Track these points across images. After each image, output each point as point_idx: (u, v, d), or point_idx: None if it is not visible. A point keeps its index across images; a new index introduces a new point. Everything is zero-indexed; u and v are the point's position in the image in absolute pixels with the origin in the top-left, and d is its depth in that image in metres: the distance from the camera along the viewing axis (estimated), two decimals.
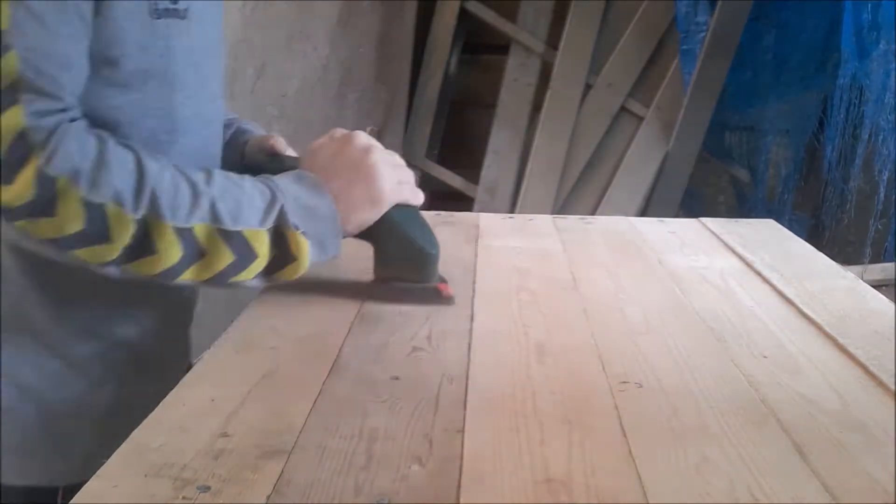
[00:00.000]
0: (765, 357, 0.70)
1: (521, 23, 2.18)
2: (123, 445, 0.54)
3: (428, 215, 1.18)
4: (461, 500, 0.48)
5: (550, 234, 1.09)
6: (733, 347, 0.72)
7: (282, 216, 0.69)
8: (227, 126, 0.88)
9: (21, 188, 0.60)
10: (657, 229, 1.12)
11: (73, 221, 0.62)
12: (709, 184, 2.38)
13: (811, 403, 0.61)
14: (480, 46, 2.30)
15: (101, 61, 0.66)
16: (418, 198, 0.81)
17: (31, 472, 0.75)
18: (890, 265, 1.93)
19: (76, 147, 0.62)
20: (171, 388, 0.63)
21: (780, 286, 0.88)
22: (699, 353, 0.70)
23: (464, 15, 2.19)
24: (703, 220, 1.17)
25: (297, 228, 0.70)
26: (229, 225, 0.67)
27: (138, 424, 0.57)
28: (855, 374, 0.67)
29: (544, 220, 1.18)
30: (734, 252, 1.01)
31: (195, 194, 0.66)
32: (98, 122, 0.66)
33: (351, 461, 0.52)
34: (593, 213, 2.13)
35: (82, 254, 0.63)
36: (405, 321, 0.77)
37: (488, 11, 2.18)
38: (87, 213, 0.62)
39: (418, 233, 0.80)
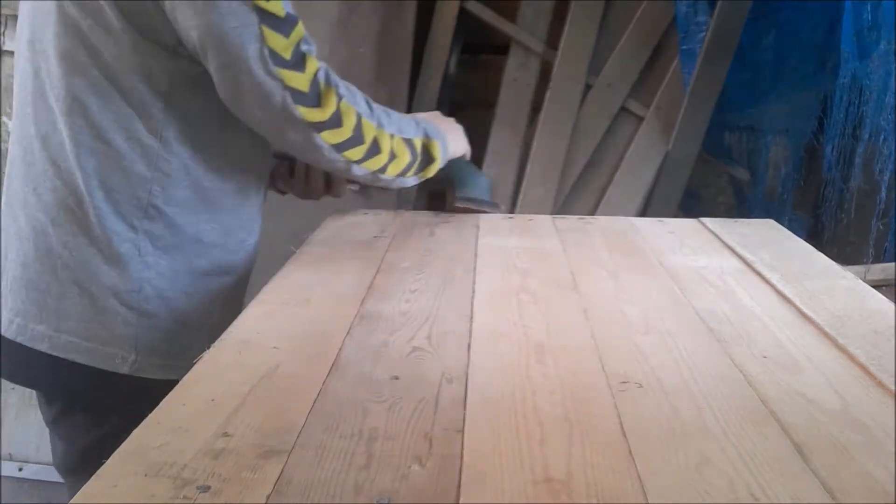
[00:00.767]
0: (765, 357, 0.70)
1: (521, 23, 2.18)
2: (123, 445, 0.54)
3: (428, 215, 1.19)
4: (461, 500, 0.48)
5: (550, 234, 1.09)
6: (733, 347, 0.72)
7: (426, 131, 1.01)
8: None
9: (327, 109, 0.87)
10: (657, 229, 1.12)
11: (348, 130, 0.89)
12: (708, 184, 2.38)
13: (811, 403, 0.61)
14: (480, 46, 2.30)
15: None
16: (468, 151, 1.16)
17: (167, 369, 0.89)
18: (890, 265, 1.93)
19: (336, 78, 0.89)
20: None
21: (779, 286, 0.88)
22: (699, 353, 0.70)
23: (464, 15, 2.18)
24: (703, 219, 1.17)
25: (433, 138, 1.02)
26: (406, 134, 0.97)
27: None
28: (855, 373, 0.67)
29: (544, 220, 1.18)
30: (734, 252, 1.01)
31: (388, 114, 0.96)
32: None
33: (351, 461, 0.52)
34: (593, 212, 2.13)
35: (349, 153, 0.91)
36: (405, 321, 0.77)
37: (488, 11, 2.18)
38: (356, 123, 0.90)
39: (476, 168, 1.25)
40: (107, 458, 0.51)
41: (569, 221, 1.17)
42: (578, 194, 2.17)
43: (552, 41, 2.17)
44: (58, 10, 0.85)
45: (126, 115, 0.86)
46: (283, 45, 0.82)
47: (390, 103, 2.12)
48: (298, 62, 0.84)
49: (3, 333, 0.91)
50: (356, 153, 0.91)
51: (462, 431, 0.56)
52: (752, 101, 2.24)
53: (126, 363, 0.89)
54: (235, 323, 0.76)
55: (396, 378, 0.64)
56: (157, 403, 0.59)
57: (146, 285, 0.89)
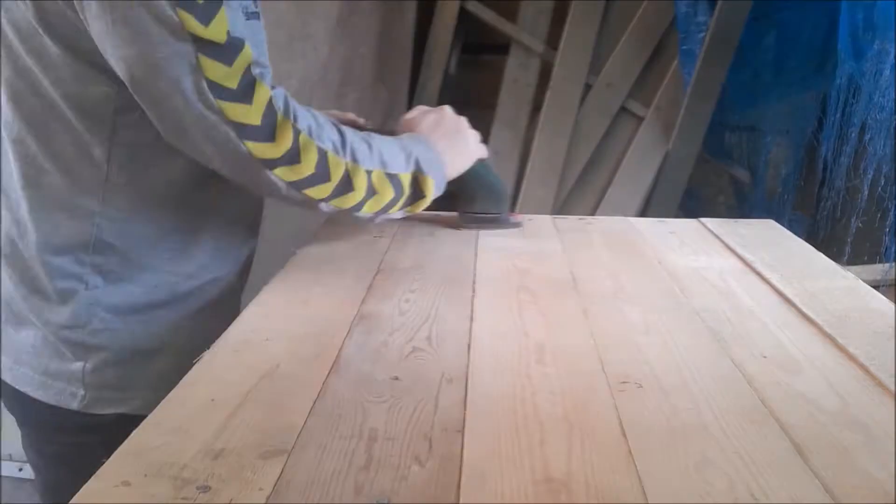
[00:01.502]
0: (764, 357, 0.70)
1: (521, 23, 2.18)
2: (123, 445, 0.54)
3: (429, 216, 1.19)
4: (461, 500, 0.48)
5: (550, 235, 1.09)
6: (733, 347, 0.72)
7: (417, 164, 0.89)
8: None
9: (281, 144, 0.76)
10: (657, 229, 1.12)
11: (309, 166, 0.79)
12: (709, 184, 2.38)
13: (811, 403, 0.61)
14: (480, 46, 2.30)
15: None
16: (485, 152, 1.04)
17: (119, 403, 0.85)
18: (890, 265, 1.93)
19: (299, 108, 0.79)
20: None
21: (779, 286, 0.88)
22: (699, 353, 0.70)
23: (464, 15, 2.19)
24: (703, 220, 1.17)
25: (426, 172, 0.89)
26: (390, 169, 0.86)
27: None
28: (855, 373, 0.67)
29: (544, 221, 1.18)
30: (734, 252, 1.01)
31: (370, 146, 0.85)
32: None
33: (351, 461, 0.52)
34: (593, 213, 2.13)
35: (311, 191, 0.80)
36: (405, 321, 0.77)
37: (488, 11, 2.18)
38: (318, 158, 0.79)
39: (493, 176, 1.09)
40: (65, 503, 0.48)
41: (569, 221, 1.17)
42: (578, 194, 2.17)
43: (552, 41, 2.17)
44: (4, 48, 0.80)
45: (70, 149, 0.80)
46: (224, 74, 0.72)
47: (390, 103, 2.13)
48: (246, 92, 0.73)
49: None
50: (321, 191, 0.80)
51: (462, 431, 0.56)
52: (752, 102, 2.24)
53: (76, 399, 0.85)
54: (235, 323, 0.76)
55: (396, 378, 0.64)
56: (109, 441, 0.55)
57: (94, 320, 0.84)
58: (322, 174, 0.80)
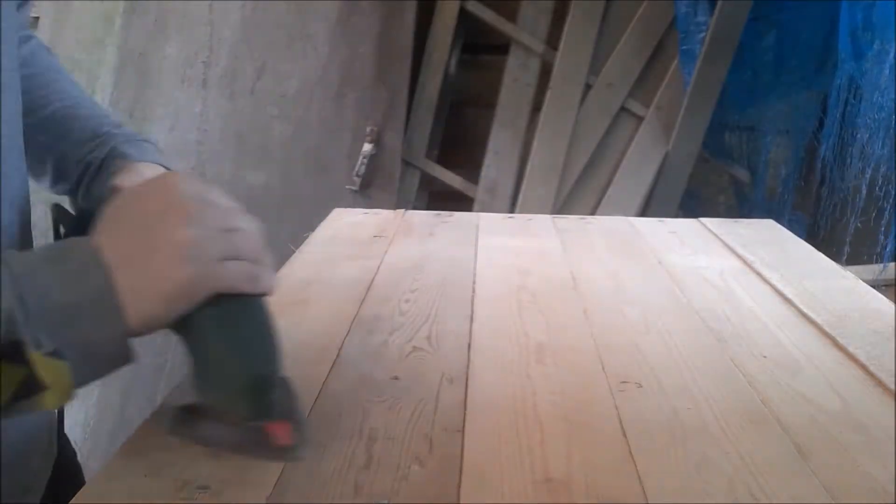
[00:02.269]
0: (764, 357, 0.70)
1: (521, 23, 2.18)
2: (125, 446, 0.54)
3: (428, 215, 1.18)
4: (461, 501, 0.48)
5: (550, 234, 1.09)
6: (733, 347, 0.72)
7: (11, 327, 0.41)
8: (97, 141, 0.66)
9: None
10: (657, 229, 1.12)
11: None
12: (709, 184, 2.38)
13: (811, 403, 0.61)
14: (480, 46, 2.30)
15: None
16: (261, 285, 0.51)
17: None
18: (890, 265, 1.93)
19: None
20: None
21: (779, 286, 0.88)
22: (699, 354, 0.70)
23: (464, 15, 2.19)
24: (703, 220, 1.17)
25: (41, 347, 0.42)
26: None
27: None
28: (855, 373, 0.67)
29: (544, 220, 1.18)
30: (734, 252, 1.01)
31: None
32: None
33: (351, 461, 0.52)
34: (593, 212, 2.13)
35: None
36: (405, 321, 0.77)
37: (488, 11, 2.18)
38: None
39: (243, 342, 0.51)
40: None
41: (569, 221, 1.17)
42: (578, 194, 2.17)
43: (552, 41, 2.17)
44: None
45: None
46: None
47: (390, 103, 2.13)
48: None
49: None
50: None
51: (462, 431, 0.56)
52: (752, 102, 2.24)
53: None
54: None
55: (396, 378, 0.64)
56: None
57: None
58: None
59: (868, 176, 1.89)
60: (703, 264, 0.96)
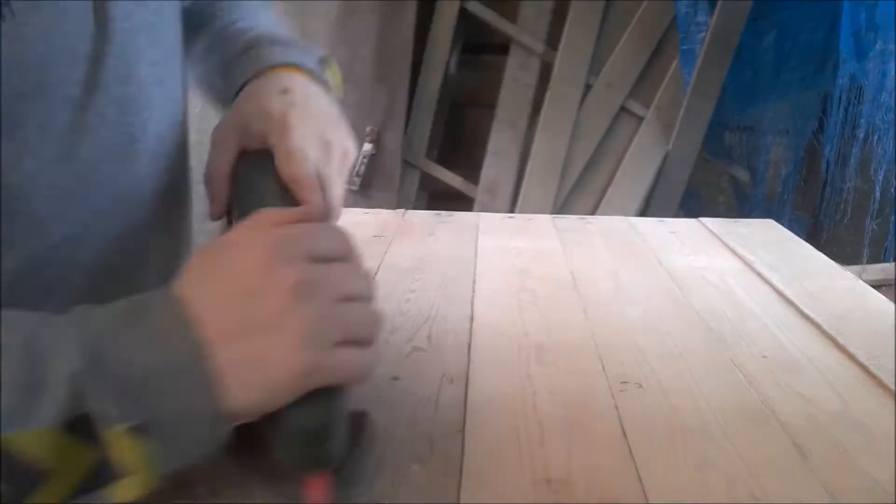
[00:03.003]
0: (764, 357, 0.70)
1: (521, 23, 2.18)
2: None
3: (428, 215, 1.18)
4: (461, 500, 0.48)
5: (550, 234, 1.09)
6: (733, 347, 0.72)
7: (77, 399, 0.34)
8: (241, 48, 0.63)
9: None
10: (657, 229, 1.12)
11: None
12: (708, 184, 2.38)
13: (811, 403, 0.61)
14: (480, 46, 2.30)
15: None
16: (368, 376, 0.42)
17: None
18: (889, 265, 1.93)
19: None
20: None
21: (779, 286, 0.88)
22: (699, 353, 0.70)
23: (464, 15, 2.19)
24: (703, 220, 1.17)
25: (121, 421, 0.35)
26: None
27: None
28: (855, 373, 0.67)
29: (544, 220, 1.18)
30: (734, 252, 1.01)
31: None
32: None
33: None
34: (593, 212, 2.13)
35: None
36: (405, 321, 0.77)
37: (488, 11, 2.19)
38: None
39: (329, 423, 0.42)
40: None
41: (569, 221, 1.17)
42: (578, 194, 2.17)
43: (552, 41, 2.17)
44: None
45: None
46: None
47: (390, 103, 2.13)
48: None
49: None
50: None
51: (462, 432, 0.56)
52: (752, 102, 2.24)
53: None
54: None
55: (396, 378, 0.64)
56: None
57: None
58: None
59: (870, 176, 1.89)
60: (703, 264, 0.96)
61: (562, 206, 2.13)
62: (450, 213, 1.18)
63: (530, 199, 2.12)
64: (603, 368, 0.67)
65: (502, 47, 2.22)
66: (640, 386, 0.64)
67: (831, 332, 0.75)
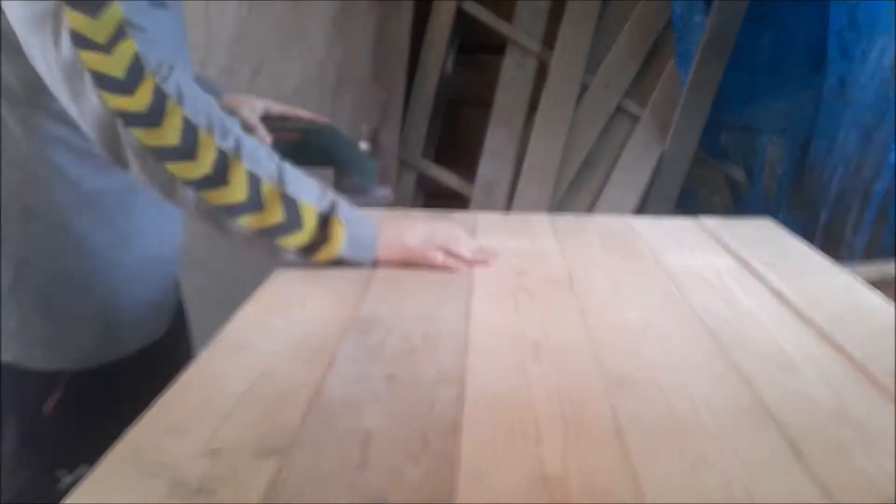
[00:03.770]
0: (761, 355, 0.70)
1: (517, 23, 2.18)
2: (119, 446, 0.53)
3: (423, 214, 1.18)
4: (457, 499, 0.48)
5: (547, 234, 1.09)
6: (729, 346, 0.72)
7: (333, 207, 0.83)
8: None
9: (141, 98, 0.72)
10: (654, 228, 1.12)
11: (172, 134, 0.73)
12: (705, 183, 2.38)
13: (807, 401, 0.61)
14: (477, 46, 2.30)
15: None
16: (435, 262, 0.92)
17: (33, 355, 0.86)
18: (886, 264, 1.93)
19: (185, 78, 0.75)
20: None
21: (776, 284, 0.88)
22: (695, 352, 0.70)
23: (460, 15, 2.19)
24: (700, 219, 1.17)
25: (342, 220, 0.83)
26: (291, 192, 0.80)
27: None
28: (851, 371, 0.67)
29: (541, 220, 1.18)
30: (730, 251, 1.01)
31: (271, 156, 0.80)
32: None
33: (346, 460, 0.52)
34: (589, 212, 2.13)
35: (172, 167, 0.74)
36: (401, 321, 0.77)
37: (485, 11, 2.18)
38: (184, 129, 0.74)
39: (360, 152, 1.19)
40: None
41: (565, 221, 1.17)
42: (575, 194, 2.17)
43: (548, 41, 2.17)
44: None
45: None
46: (87, 24, 0.71)
47: (387, 103, 2.13)
48: (111, 45, 0.72)
49: None
50: (185, 169, 0.75)
51: (458, 430, 0.56)
52: (749, 101, 2.24)
53: (10, 352, 0.85)
54: (231, 323, 0.76)
55: (392, 377, 0.64)
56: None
57: (26, 286, 0.84)
58: (187, 149, 0.74)
59: (863, 175, 1.89)
60: (699, 263, 0.96)
61: (558, 206, 2.13)
62: (447, 213, 1.18)
63: (526, 199, 2.12)
64: (599, 367, 0.67)
65: (499, 47, 2.22)
66: (637, 384, 0.63)
67: (828, 330, 0.75)
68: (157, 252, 0.94)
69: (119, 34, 0.72)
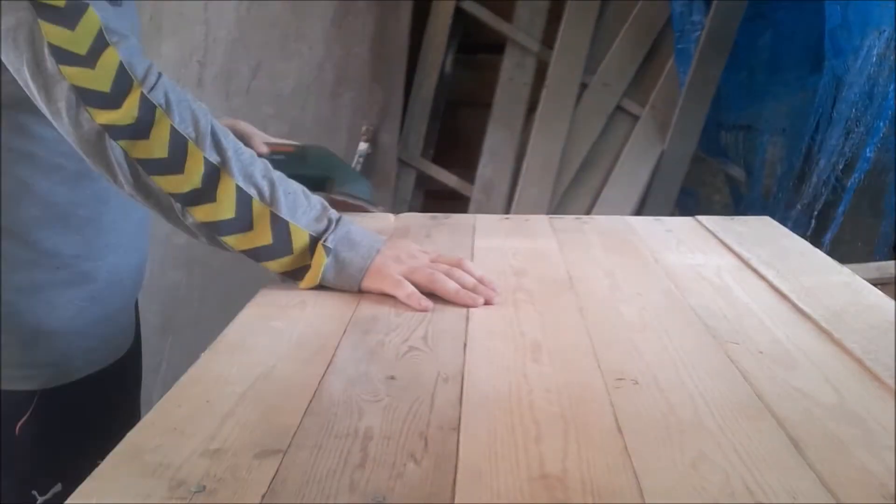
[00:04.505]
0: (761, 353, 0.70)
1: (517, 22, 2.18)
2: (119, 446, 0.53)
3: (424, 218, 1.18)
4: (456, 499, 0.48)
5: (546, 234, 1.09)
6: (729, 344, 0.72)
7: (329, 227, 0.80)
8: None
9: (127, 111, 0.71)
10: (653, 228, 1.12)
11: (160, 146, 0.72)
12: (704, 183, 2.38)
13: (807, 398, 0.61)
14: (476, 46, 2.30)
15: None
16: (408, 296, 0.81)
17: (26, 380, 0.84)
18: (886, 263, 1.93)
19: (171, 86, 0.74)
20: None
21: (775, 282, 0.88)
22: (695, 350, 0.70)
23: (459, 14, 2.19)
24: (700, 217, 1.17)
25: (329, 243, 0.79)
26: (283, 213, 0.77)
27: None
28: (851, 368, 0.67)
29: (540, 220, 1.18)
30: (730, 249, 1.01)
31: (266, 171, 0.77)
32: None
33: (346, 460, 0.52)
34: (589, 212, 2.13)
35: (160, 181, 0.73)
36: (401, 321, 0.77)
37: (484, 11, 2.18)
38: (172, 141, 0.72)
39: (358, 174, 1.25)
40: None
41: (565, 221, 1.17)
42: (574, 193, 2.17)
43: (548, 41, 2.17)
44: None
45: None
46: (67, 38, 0.70)
47: (386, 103, 2.13)
48: (93, 57, 0.70)
49: None
50: (172, 183, 0.73)
51: (458, 430, 0.56)
52: (748, 101, 2.24)
53: None
54: (231, 324, 0.76)
55: (392, 378, 0.64)
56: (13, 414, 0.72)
57: None
58: (174, 162, 0.73)
59: (859, 174, 1.89)
60: (699, 262, 0.96)
61: (558, 205, 2.13)
62: (446, 216, 1.18)
63: (526, 198, 2.12)
64: (599, 366, 0.67)
65: (498, 47, 2.22)
66: (636, 382, 0.63)
67: (827, 327, 0.75)
68: (127, 264, 0.92)
69: (100, 43, 0.71)
